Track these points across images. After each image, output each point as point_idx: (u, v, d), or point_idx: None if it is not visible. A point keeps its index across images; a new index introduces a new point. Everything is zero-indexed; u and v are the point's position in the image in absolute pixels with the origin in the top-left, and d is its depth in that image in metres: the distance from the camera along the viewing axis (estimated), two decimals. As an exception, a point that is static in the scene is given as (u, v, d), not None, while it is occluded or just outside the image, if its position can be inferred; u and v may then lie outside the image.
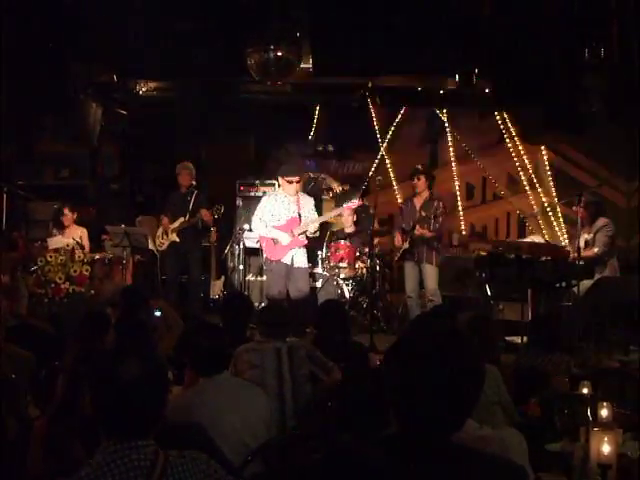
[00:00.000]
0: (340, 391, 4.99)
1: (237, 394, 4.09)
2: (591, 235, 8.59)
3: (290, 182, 9.05)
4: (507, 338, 8.62)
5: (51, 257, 9.23)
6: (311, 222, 9.10)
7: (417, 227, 9.26)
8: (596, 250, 8.48)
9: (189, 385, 4.27)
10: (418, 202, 9.55)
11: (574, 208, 8.70)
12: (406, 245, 9.45)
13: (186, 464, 2.56)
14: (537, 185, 11.69)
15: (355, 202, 9.97)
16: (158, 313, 6.46)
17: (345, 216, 11.12)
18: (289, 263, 9.08)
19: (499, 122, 11.98)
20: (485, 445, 2.52)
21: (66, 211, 10.50)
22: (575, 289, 8.22)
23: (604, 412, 3.69)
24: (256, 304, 9.12)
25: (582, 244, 8.56)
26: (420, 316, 7.43)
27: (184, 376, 4.44)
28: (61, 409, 3.87)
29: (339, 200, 12.33)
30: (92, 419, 2.64)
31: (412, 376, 2.11)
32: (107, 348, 4.86)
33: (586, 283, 8.26)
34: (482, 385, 2.19)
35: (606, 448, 3.31)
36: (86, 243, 10.30)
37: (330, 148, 12.82)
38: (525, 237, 10.85)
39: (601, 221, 8.63)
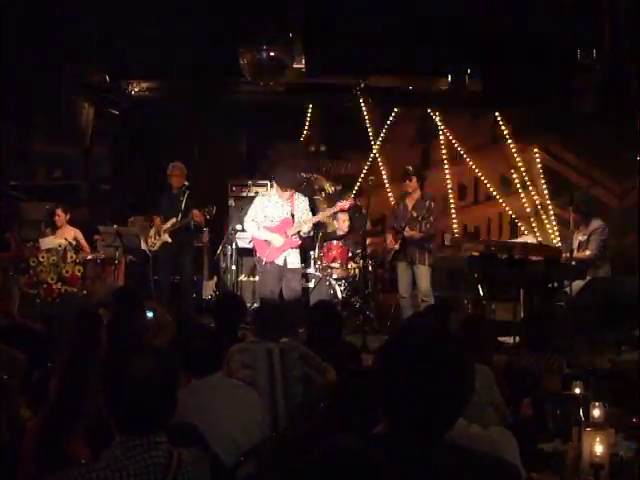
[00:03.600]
0: (333, 391, 5.01)
1: (230, 395, 4.09)
2: (585, 237, 8.60)
3: (284, 190, 9.07)
4: (499, 338, 8.63)
5: (43, 257, 9.22)
6: (304, 223, 9.10)
7: (407, 228, 9.27)
8: (588, 253, 8.50)
9: (183, 386, 4.27)
10: (410, 203, 9.57)
11: (569, 208, 8.72)
12: (397, 246, 9.46)
13: (194, 462, 2.62)
14: (529, 185, 11.71)
15: (348, 201, 9.97)
16: (150, 314, 6.44)
17: (340, 221, 11.12)
18: (282, 264, 9.08)
19: (491, 122, 11.99)
20: (475, 444, 2.52)
21: (59, 212, 10.49)
22: (567, 289, 8.24)
23: (596, 412, 3.70)
24: (248, 304, 9.10)
25: (575, 245, 8.58)
26: (411, 316, 7.44)
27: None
28: (54, 410, 3.87)
29: (332, 200, 12.33)
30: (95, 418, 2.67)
31: (401, 376, 2.11)
32: (100, 349, 4.86)
33: (578, 283, 8.28)
34: (472, 385, 2.20)
35: (599, 448, 3.32)
36: (83, 243, 10.30)
37: (322, 148, 12.81)
38: (517, 237, 10.87)
39: (596, 223, 8.65)
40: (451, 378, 2.10)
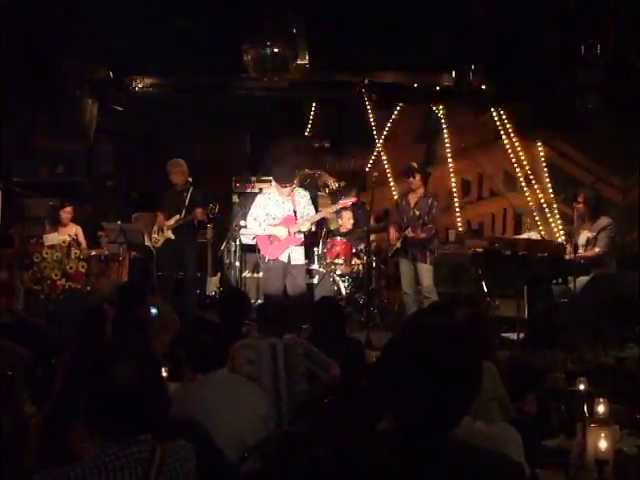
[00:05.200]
0: (338, 388, 5.01)
1: (234, 391, 4.08)
2: (593, 234, 8.52)
3: (284, 187, 9.07)
4: (503, 334, 8.62)
5: (47, 254, 9.23)
6: (307, 220, 9.10)
7: (409, 230, 9.24)
8: (598, 250, 8.44)
9: (188, 381, 4.27)
10: (413, 199, 9.54)
11: (574, 204, 8.69)
12: (398, 245, 9.45)
13: (179, 453, 2.62)
14: (533, 182, 11.69)
15: (350, 199, 9.98)
16: (154, 310, 6.44)
17: (344, 219, 11.12)
18: (286, 261, 9.08)
19: (495, 118, 11.98)
20: (480, 440, 2.52)
21: (68, 209, 10.49)
22: (571, 285, 8.23)
23: (601, 408, 3.70)
24: (252, 301, 9.11)
25: (583, 241, 8.54)
26: (417, 312, 7.43)
27: (182, 372, 4.43)
28: (58, 406, 3.87)
29: (335, 197, 12.32)
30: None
31: (407, 373, 2.10)
32: (104, 345, 4.86)
33: (582, 279, 8.25)
34: (480, 382, 2.19)
35: (603, 444, 3.31)
36: (82, 240, 10.28)
37: (326, 144, 12.80)
38: (521, 234, 10.85)
39: (605, 220, 8.58)
40: (458, 375, 2.09)
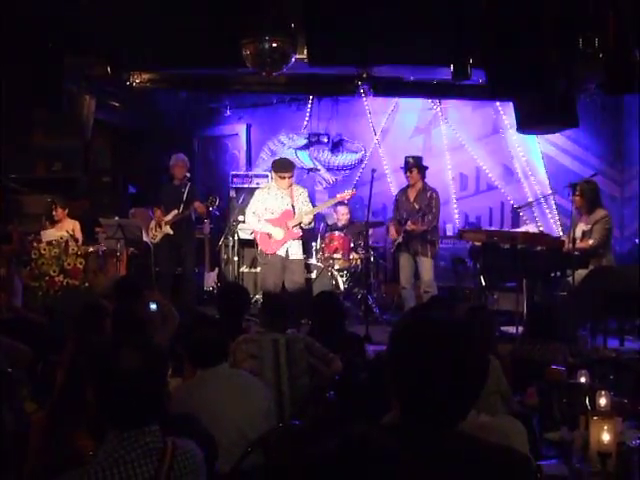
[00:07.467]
0: (338, 382, 5.01)
1: (236, 386, 4.08)
2: (589, 226, 8.53)
3: (282, 177, 9.07)
4: (502, 328, 8.63)
5: (45, 250, 9.22)
6: (305, 214, 9.11)
7: (409, 223, 9.26)
8: (591, 242, 8.44)
9: (189, 377, 4.26)
10: (412, 194, 9.56)
11: (570, 197, 8.69)
12: (400, 239, 9.46)
13: (184, 447, 2.66)
14: (531, 175, 11.69)
15: (348, 193, 9.97)
16: (153, 305, 6.43)
17: (339, 213, 11.13)
18: (284, 255, 9.09)
19: (493, 112, 11.97)
20: (485, 433, 2.51)
21: (57, 208, 10.45)
22: (570, 279, 8.23)
23: (603, 401, 3.70)
24: (250, 296, 9.11)
25: (579, 234, 8.54)
26: (415, 307, 7.43)
27: (183, 368, 4.43)
28: (60, 403, 3.86)
29: (332, 191, 12.32)
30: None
31: (417, 365, 2.09)
32: (104, 340, 4.85)
33: (581, 272, 8.26)
34: (487, 374, 2.19)
35: (606, 436, 3.32)
36: (79, 236, 10.26)
37: (324, 139, 12.77)
38: (519, 227, 10.86)
39: (600, 212, 8.57)
40: (468, 367, 2.08)
